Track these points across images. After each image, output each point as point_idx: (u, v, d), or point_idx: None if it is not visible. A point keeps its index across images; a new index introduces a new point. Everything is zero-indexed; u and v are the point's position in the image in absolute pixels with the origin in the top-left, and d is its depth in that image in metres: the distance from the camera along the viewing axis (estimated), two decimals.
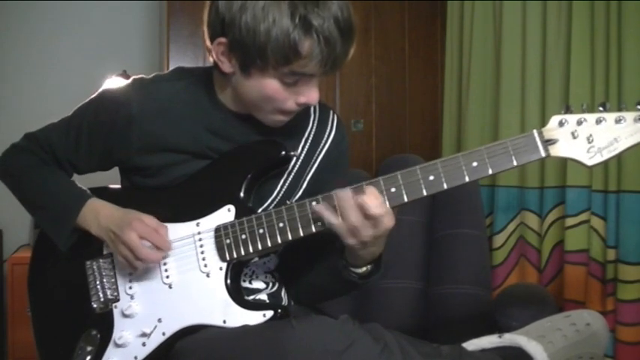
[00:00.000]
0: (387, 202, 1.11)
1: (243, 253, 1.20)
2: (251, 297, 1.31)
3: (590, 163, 1.04)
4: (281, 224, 1.17)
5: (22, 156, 1.36)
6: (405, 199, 1.11)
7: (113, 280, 1.29)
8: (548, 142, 1.05)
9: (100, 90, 1.35)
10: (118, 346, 1.24)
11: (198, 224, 1.24)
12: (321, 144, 1.34)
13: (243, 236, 1.20)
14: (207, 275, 1.22)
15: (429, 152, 2.64)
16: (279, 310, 1.18)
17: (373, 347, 1.06)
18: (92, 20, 3.02)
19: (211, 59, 1.19)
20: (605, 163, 1.05)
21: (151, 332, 1.23)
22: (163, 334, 1.22)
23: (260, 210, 1.26)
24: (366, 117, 2.67)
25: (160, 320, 1.23)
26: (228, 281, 1.21)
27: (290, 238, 1.17)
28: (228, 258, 1.21)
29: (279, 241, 1.18)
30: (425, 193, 1.10)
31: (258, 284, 1.33)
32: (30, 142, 1.37)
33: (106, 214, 1.26)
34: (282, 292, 1.38)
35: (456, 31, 2.56)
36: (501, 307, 1.65)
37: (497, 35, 2.35)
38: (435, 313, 1.96)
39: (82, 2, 2.99)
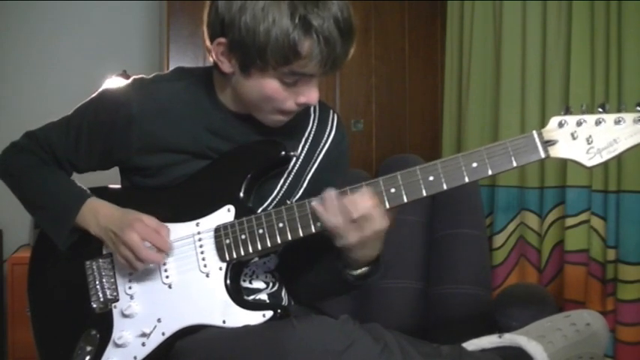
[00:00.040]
0: (387, 203, 1.11)
1: (242, 253, 1.20)
2: (251, 297, 1.31)
3: (589, 164, 1.04)
4: (281, 224, 1.17)
5: (22, 155, 1.36)
6: (405, 200, 1.11)
7: (113, 280, 1.29)
8: (547, 143, 1.05)
9: (100, 90, 1.35)
10: (117, 346, 1.24)
11: (197, 224, 1.24)
12: (321, 144, 1.34)
13: (243, 236, 1.20)
14: (207, 275, 1.22)
15: (429, 152, 2.64)
16: (279, 310, 1.18)
17: (373, 347, 1.06)
18: (92, 20, 3.01)
19: (211, 59, 1.19)
20: (604, 164, 1.05)
21: (151, 332, 1.23)
22: (163, 334, 1.22)
23: (260, 210, 1.26)
24: (366, 117, 2.67)
25: (159, 320, 1.23)
26: (228, 281, 1.21)
27: (290, 238, 1.17)
28: (227, 258, 1.21)
29: (279, 241, 1.18)
30: (425, 193, 1.10)
31: (258, 284, 1.34)
32: (30, 141, 1.37)
33: (105, 213, 1.26)
34: (283, 292, 1.38)
35: (456, 31, 2.56)
36: (501, 307, 1.65)
37: (497, 35, 2.35)
38: (435, 313, 1.96)
39: (82, 2, 2.99)
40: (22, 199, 1.37)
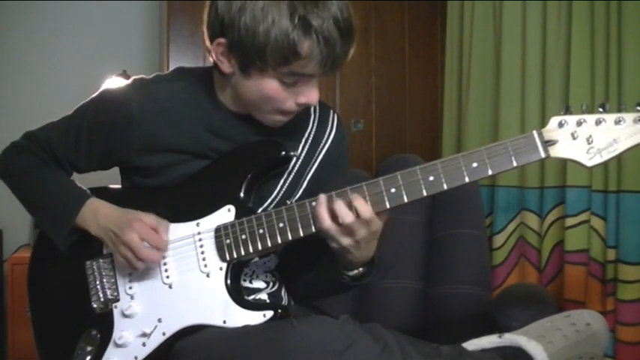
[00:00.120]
0: (387, 203, 1.11)
1: (243, 253, 1.20)
2: (251, 297, 1.31)
3: (589, 164, 1.04)
4: (281, 224, 1.17)
5: (22, 156, 1.36)
6: (405, 200, 1.10)
7: (113, 280, 1.29)
8: (547, 143, 1.05)
9: (100, 90, 1.35)
10: (118, 346, 1.24)
11: (198, 224, 1.24)
12: (321, 144, 1.34)
13: (243, 236, 1.20)
14: (208, 275, 1.22)
15: (429, 152, 2.64)
16: (280, 310, 1.18)
17: (373, 347, 1.06)
18: (92, 20, 3.01)
19: (211, 59, 1.19)
20: (604, 164, 1.05)
21: (151, 332, 1.23)
22: (163, 334, 1.22)
23: (260, 210, 1.26)
24: (366, 117, 2.67)
25: (160, 320, 1.23)
26: (229, 281, 1.21)
27: (290, 238, 1.17)
28: (228, 258, 1.21)
29: (279, 241, 1.18)
30: (425, 193, 1.10)
31: (258, 284, 1.34)
32: (30, 141, 1.37)
33: (105, 213, 1.26)
34: (282, 292, 1.38)
35: (456, 31, 2.56)
36: (501, 307, 1.65)
37: (497, 35, 2.35)
38: (435, 313, 1.96)
39: (82, 2, 2.99)
40: (22, 199, 1.37)
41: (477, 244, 2.02)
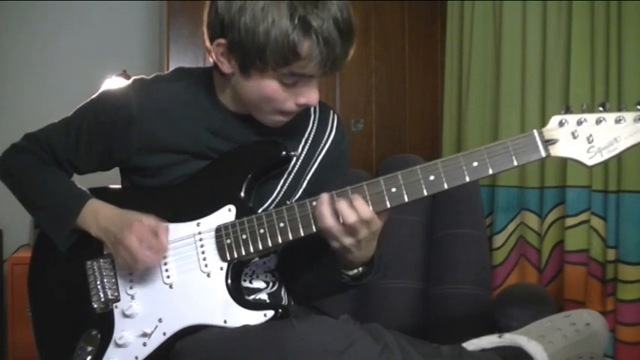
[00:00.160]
0: (388, 202, 1.11)
1: (243, 252, 1.20)
2: (251, 297, 1.31)
3: (590, 163, 1.04)
4: (282, 224, 1.17)
5: (22, 156, 1.36)
6: (406, 199, 1.11)
7: (114, 280, 1.29)
8: (548, 142, 1.06)
9: (100, 90, 1.35)
10: (118, 346, 1.24)
11: (198, 224, 1.24)
12: (321, 144, 1.34)
13: (244, 236, 1.20)
14: (208, 275, 1.22)
15: (429, 152, 2.64)
16: (280, 310, 1.18)
17: (373, 347, 1.06)
18: (92, 20, 3.02)
19: (211, 60, 1.19)
20: (605, 163, 1.05)
21: (152, 332, 1.23)
22: (164, 334, 1.22)
23: (260, 210, 1.26)
24: (366, 117, 2.67)
25: (160, 320, 1.23)
26: (229, 281, 1.21)
27: (291, 238, 1.17)
28: (228, 258, 1.21)
29: (280, 240, 1.18)
30: (425, 193, 1.10)
31: (258, 284, 1.34)
32: (30, 142, 1.37)
33: (105, 214, 1.26)
34: (282, 292, 1.38)
35: (456, 31, 2.56)
36: (501, 307, 1.65)
37: (497, 35, 2.35)
38: (435, 313, 1.96)
39: (82, 2, 2.99)
40: (22, 200, 1.37)
41: (477, 244, 2.02)
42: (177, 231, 1.24)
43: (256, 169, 1.25)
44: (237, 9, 1.10)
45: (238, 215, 1.22)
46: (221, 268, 1.22)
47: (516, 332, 1.32)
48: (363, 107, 2.67)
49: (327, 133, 1.35)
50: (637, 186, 1.90)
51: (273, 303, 1.33)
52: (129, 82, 1.31)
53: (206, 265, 1.22)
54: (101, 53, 2.95)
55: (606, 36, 1.98)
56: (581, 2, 2.06)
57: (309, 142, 1.33)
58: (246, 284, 1.31)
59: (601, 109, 1.04)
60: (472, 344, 1.29)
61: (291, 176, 1.31)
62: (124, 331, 1.25)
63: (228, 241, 1.21)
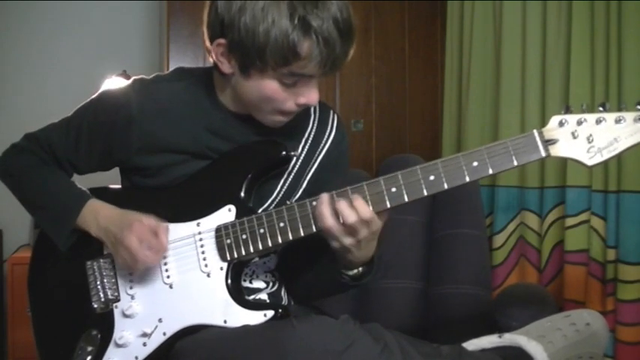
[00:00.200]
0: (388, 202, 1.11)
1: (243, 252, 1.20)
2: (251, 297, 1.31)
3: (590, 163, 1.04)
4: (282, 224, 1.17)
5: (22, 156, 1.36)
6: (406, 199, 1.11)
7: (114, 280, 1.29)
8: (548, 142, 1.06)
9: (100, 90, 1.35)
10: (118, 346, 1.24)
11: (198, 224, 1.24)
12: (321, 144, 1.34)
13: (244, 236, 1.20)
14: (208, 275, 1.22)
15: (429, 152, 2.64)
16: (280, 310, 1.18)
17: (373, 347, 1.06)
18: (92, 20, 3.02)
19: (211, 60, 1.19)
20: (605, 163, 1.05)
21: (152, 332, 1.23)
22: (164, 334, 1.22)
23: (260, 210, 1.26)
24: (366, 117, 2.67)
25: (160, 320, 1.23)
26: (229, 281, 1.21)
27: (291, 237, 1.17)
28: (228, 258, 1.21)
29: (280, 240, 1.18)
30: (425, 193, 1.10)
31: (258, 284, 1.34)
32: (30, 142, 1.37)
33: (105, 214, 1.26)
34: (282, 292, 1.38)
35: (456, 31, 2.56)
36: (501, 307, 1.65)
37: (497, 35, 2.36)
38: (435, 313, 1.96)
39: (82, 2, 2.99)
40: (22, 200, 1.37)
41: (477, 244, 2.02)
42: (177, 231, 1.24)
43: (256, 169, 1.25)
44: (237, 9, 1.10)
45: (238, 215, 1.22)
46: (221, 268, 1.22)
47: (516, 332, 1.32)
48: (363, 107, 2.67)
49: (327, 133, 1.35)
50: (637, 186, 1.90)
51: (273, 303, 1.33)
52: (129, 82, 1.31)
53: (206, 265, 1.22)
54: (101, 53, 2.95)
55: (606, 36, 1.98)
56: (581, 2, 2.06)
57: (309, 142, 1.33)
58: (246, 284, 1.31)
59: (601, 109, 1.04)
60: (472, 344, 1.29)
61: (291, 176, 1.31)
62: (124, 331, 1.25)
63: (228, 241, 1.21)
